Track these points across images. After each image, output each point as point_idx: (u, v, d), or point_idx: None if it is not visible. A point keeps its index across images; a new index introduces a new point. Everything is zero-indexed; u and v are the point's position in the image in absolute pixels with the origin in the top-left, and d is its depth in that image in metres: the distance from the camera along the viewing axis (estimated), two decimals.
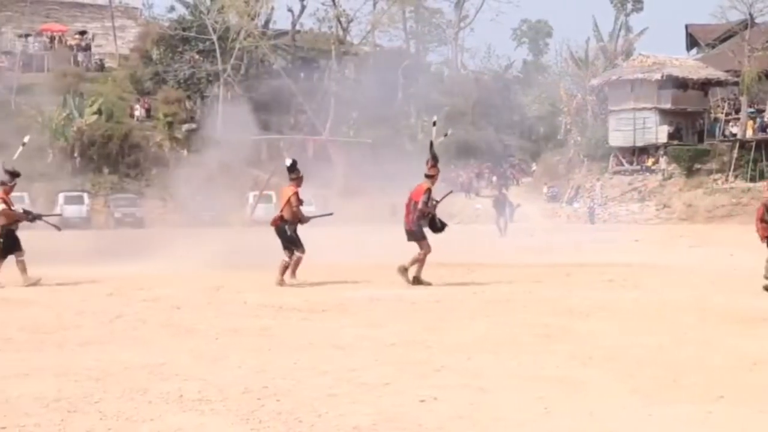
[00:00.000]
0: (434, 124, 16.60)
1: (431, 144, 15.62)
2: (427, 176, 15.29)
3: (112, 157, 54.36)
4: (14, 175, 15.80)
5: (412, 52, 71.86)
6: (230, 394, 7.02)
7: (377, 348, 9.10)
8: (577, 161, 60.32)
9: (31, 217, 16.20)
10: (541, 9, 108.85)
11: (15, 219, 15.66)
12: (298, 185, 15.78)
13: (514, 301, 12.91)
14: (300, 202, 15.69)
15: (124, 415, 6.40)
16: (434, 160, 15.34)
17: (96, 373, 7.79)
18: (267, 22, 64.63)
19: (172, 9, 65.68)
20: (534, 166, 66.44)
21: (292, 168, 15.87)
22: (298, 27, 65.45)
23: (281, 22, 67.19)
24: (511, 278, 15.91)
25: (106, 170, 53.74)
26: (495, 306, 12.43)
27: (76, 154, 53.92)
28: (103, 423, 6.22)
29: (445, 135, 16.75)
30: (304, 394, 7.03)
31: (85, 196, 50.29)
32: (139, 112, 59.95)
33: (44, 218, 16.86)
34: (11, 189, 15.79)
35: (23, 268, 15.41)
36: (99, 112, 57.03)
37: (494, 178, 60.37)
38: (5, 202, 15.53)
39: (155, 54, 62.90)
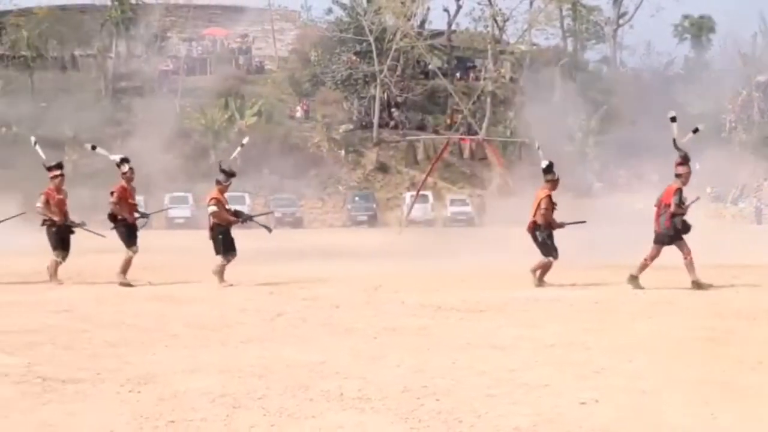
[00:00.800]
0: (673, 120, 15.06)
1: (674, 141, 14.66)
2: (677, 176, 14.47)
3: (272, 158, 55.43)
4: (230, 174, 15.88)
5: (569, 51, 70.87)
6: (390, 392, 7.04)
7: (536, 348, 9.00)
8: (742, 160, 58.43)
9: (243, 218, 16.04)
10: (704, 4, 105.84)
11: (227, 222, 15.55)
12: (553, 188, 15.27)
13: (677, 304, 12.57)
14: (553, 205, 15.15)
15: (287, 412, 6.49)
16: (683, 158, 14.47)
17: (259, 369, 7.94)
18: (423, 23, 64.82)
19: (329, 11, 66.60)
20: (697, 165, 64.55)
21: (548, 169, 15.31)
22: (453, 27, 65.46)
23: (437, 22, 67.40)
24: (674, 280, 15.50)
25: (266, 171, 54.79)
26: (657, 308, 12.13)
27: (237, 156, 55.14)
28: (266, 419, 6.33)
29: (695, 131, 15.61)
30: (464, 394, 7.00)
31: (247, 196, 51.40)
32: (299, 113, 61.01)
33: (255, 219, 16.65)
34: (226, 188, 15.79)
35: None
36: (259, 113, 58.29)
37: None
38: (219, 201, 15.55)
39: (313, 56, 63.87)
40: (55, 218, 16.31)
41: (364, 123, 61.20)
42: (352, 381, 7.46)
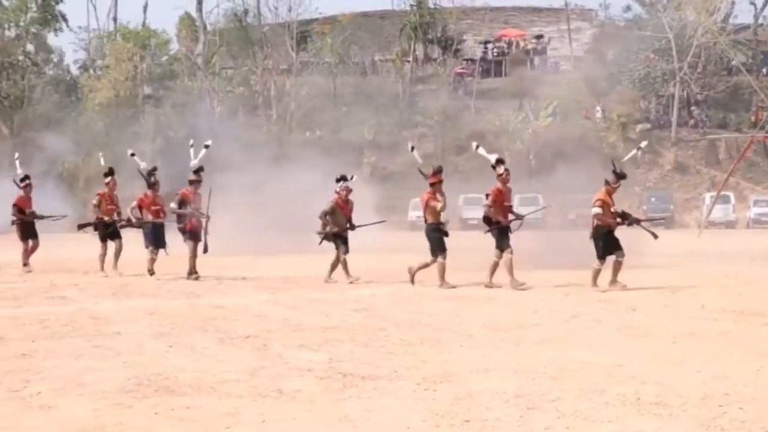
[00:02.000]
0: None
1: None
2: None
3: (565, 158, 54.94)
4: (621, 176, 15.61)
5: None
6: (689, 399, 6.79)
7: None
8: None
9: (629, 221, 15.66)
10: None
11: (608, 225, 15.23)
12: None
13: None
14: None
15: (582, 415, 6.39)
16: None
17: (553, 371, 7.86)
18: (726, 17, 62.35)
19: (627, 9, 65.37)
20: None
21: None
22: (761, 20, 62.62)
23: (742, 16, 64.63)
24: None
25: (559, 172, 54.35)
26: None
27: (531, 157, 55.08)
28: (560, 421, 6.25)
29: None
30: None
31: (540, 197, 51.20)
32: (599, 113, 60.15)
33: (642, 224, 16.23)
34: (614, 190, 15.48)
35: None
36: (554, 114, 57.99)
37: None
38: (605, 204, 15.23)
39: (610, 54, 62.87)
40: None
41: (661, 122, 59.62)
42: (649, 386, 7.24)
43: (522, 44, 68.07)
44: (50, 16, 65.41)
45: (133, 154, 20.21)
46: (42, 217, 20.35)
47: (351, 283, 16.35)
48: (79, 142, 57.96)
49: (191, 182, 17.55)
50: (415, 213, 49.55)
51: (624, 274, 14.97)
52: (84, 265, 19.74)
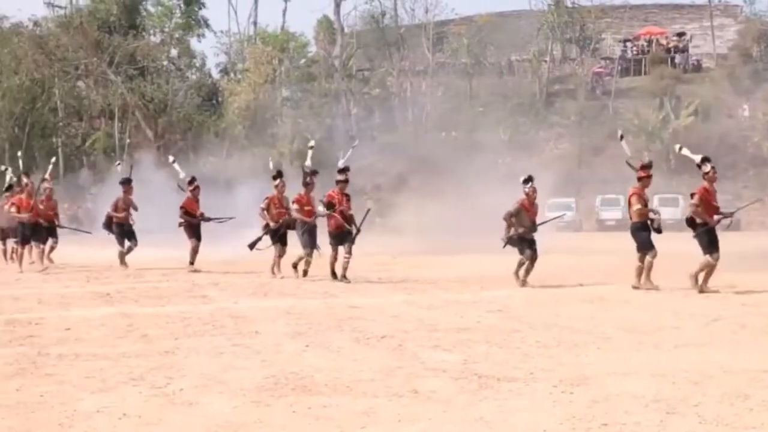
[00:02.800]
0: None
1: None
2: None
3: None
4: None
5: None
6: None
7: None
8: None
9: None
10: None
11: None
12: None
13: None
14: None
15: (724, 421, 6.22)
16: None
17: (694, 375, 7.68)
18: None
19: None
20: None
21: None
22: None
23: None
24: None
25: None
26: None
27: (671, 157, 53.93)
28: (702, 427, 6.11)
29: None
30: None
31: (680, 198, 50.12)
32: (746, 111, 58.49)
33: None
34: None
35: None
36: (695, 113, 56.67)
37: None
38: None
39: (755, 51, 61.10)
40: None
41: None
42: None
43: (663, 42, 66.68)
44: (193, 22, 67.09)
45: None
46: (209, 219, 20.71)
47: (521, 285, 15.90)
48: (220, 145, 59.40)
49: (338, 182, 17.39)
50: (551, 214, 49.19)
51: None
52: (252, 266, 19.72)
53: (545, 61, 64.86)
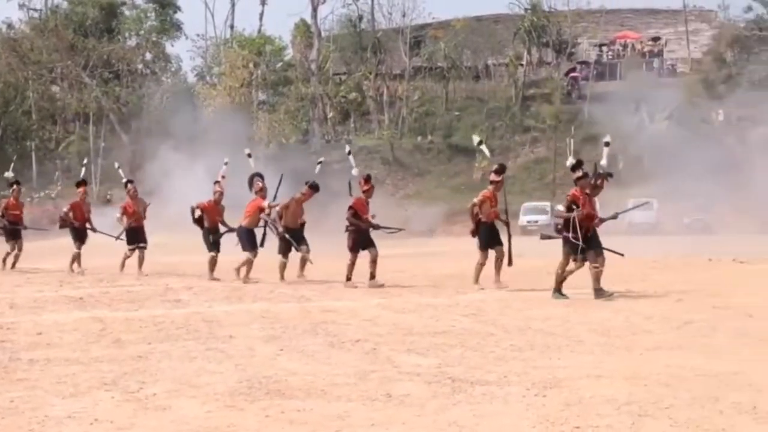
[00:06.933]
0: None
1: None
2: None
3: (681, 162, 53.97)
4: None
5: None
6: None
7: None
8: None
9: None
10: None
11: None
12: None
13: None
14: None
15: (695, 423, 6.26)
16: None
17: (665, 378, 7.72)
18: None
19: (749, 9, 63.93)
20: None
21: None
22: None
23: None
24: None
25: (673, 175, 53.40)
26: None
27: (646, 161, 54.17)
28: (673, 429, 6.14)
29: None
30: None
31: (654, 202, 50.36)
32: (721, 116, 58.78)
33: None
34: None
35: None
36: (670, 117, 56.95)
37: None
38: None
39: (729, 56, 61.55)
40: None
41: None
42: (766, 394, 7.06)
43: (638, 47, 67.04)
44: (168, 25, 66.90)
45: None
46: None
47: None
48: (195, 149, 59.24)
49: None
50: (526, 217, 49.35)
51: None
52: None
53: (521, 65, 65.04)
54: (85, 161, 28.61)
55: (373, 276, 16.90)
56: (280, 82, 65.27)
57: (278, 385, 7.65)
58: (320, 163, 20.08)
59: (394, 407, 6.87)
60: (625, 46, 67.31)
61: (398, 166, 59.36)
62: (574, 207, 14.22)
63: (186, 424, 6.42)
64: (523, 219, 47.24)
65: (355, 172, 18.04)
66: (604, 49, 67.50)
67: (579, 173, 14.60)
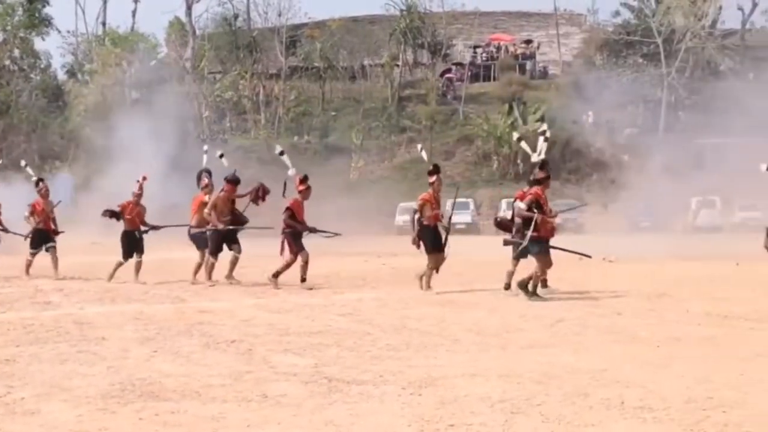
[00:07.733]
0: None
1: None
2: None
3: (552, 162, 55.10)
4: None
5: None
6: (673, 403, 6.81)
7: None
8: None
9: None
10: None
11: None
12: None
13: None
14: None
15: (566, 419, 6.40)
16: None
17: (538, 375, 7.88)
18: (714, 22, 62.52)
19: (617, 14, 65.50)
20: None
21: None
22: (748, 26, 62.83)
23: (730, 21, 64.89)
24: None
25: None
26: None
27: (519, 161, 55.13)
28: (545, 426, 6.26)
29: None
30: (753, 407, 6.67)
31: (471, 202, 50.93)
32: (591, 118, 60.09)
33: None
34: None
35: None
36: (542, 119, 58.04)
37: None
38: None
39: (598, 59, 63.02)
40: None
41: (649, 127, 59.78)
42: (633, 390, 7.26)
43: (511, 49, 68.10)
44: (37, 20, 65.19)
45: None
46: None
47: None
48: (65, 147, 57.98)
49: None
50: (402, 218, 49.58)
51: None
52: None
53: (397, 66, 65.39)
54: None
55: (303, 279, 16.60)
56: (153, 81, 64.24)
57: (152, 387, 7.54)
58: (222, 156, 19.60)
59: (270, 408, 6.84)
60: (498, 48, 68.27)
61: (275, 166, 59.01)
62: (534, 207, 14.35)
63: (55, 429, 6.28)
64: (399, 219, 47.39)
65: (291, 172, 17.97)
66: (479, 50, 68.33)
67: (543, 174, 14.73)
